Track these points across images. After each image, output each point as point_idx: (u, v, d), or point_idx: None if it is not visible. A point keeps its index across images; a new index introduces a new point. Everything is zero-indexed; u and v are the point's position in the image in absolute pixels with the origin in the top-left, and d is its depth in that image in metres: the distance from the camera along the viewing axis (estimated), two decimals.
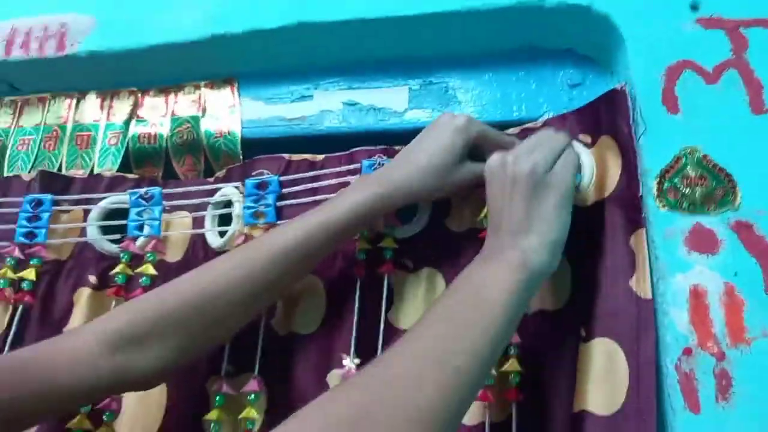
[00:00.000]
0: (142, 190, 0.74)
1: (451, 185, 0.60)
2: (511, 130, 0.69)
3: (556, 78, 0.72)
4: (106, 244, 0.74)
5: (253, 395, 0.63)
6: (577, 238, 0.62)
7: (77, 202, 0.77)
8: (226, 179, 0.76)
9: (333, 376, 0.64)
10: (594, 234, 0.60)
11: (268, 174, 0.72)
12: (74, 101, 0.84)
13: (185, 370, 0.66)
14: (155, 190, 0.74)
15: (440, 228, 0.69)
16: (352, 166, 0.69)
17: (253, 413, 0.62)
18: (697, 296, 0.52)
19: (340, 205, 0.59)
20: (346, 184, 0.69)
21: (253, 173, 0.73)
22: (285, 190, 0.71)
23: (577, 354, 0.57)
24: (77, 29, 0.80)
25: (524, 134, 0.68)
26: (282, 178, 0.72)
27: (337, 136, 0.76)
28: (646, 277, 0.55)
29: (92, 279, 0.74)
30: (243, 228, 0.71)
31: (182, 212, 0.76)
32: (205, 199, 0.74)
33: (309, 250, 0.58)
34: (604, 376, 0.53)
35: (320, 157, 0.73)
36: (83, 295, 0.73)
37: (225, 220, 0.73)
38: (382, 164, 0.68)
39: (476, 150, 0.61)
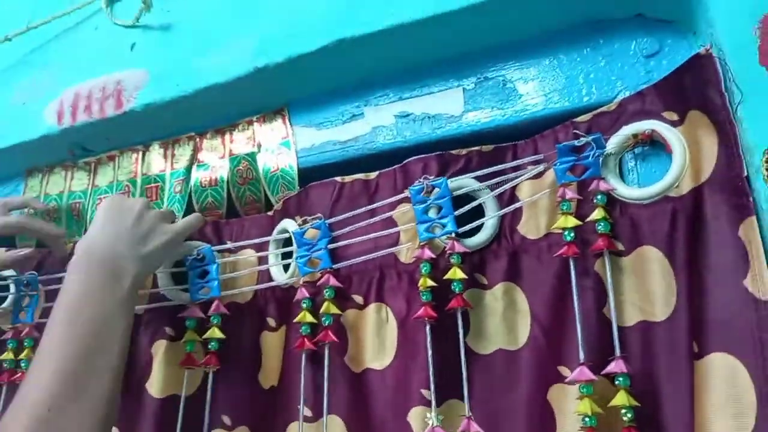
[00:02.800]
0: (195, 252, 0.73)
1: None
2: (581, 118, 0.61)
3: (628, 50, 0.62)
4: (178, 294, 0.75)
5: None
6: (674, 234, 0.53)
7: None
8: (283, 212, 0.74)
9: (416, 413, 0.59)
10: (694, 227, 0.51)
11: (312, 220, 0.68)
12: (140, 155, 0.87)
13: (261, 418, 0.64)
14: (206, 249, 0.73)
15: (513, 236, 0.62)
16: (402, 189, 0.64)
17: None
18: None
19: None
20: (402, 202, 0.65)
21: (301, 218, 0.70)
22: (336, 232, 0.67)
23: (691, 374, 0.48)
24: (132, 84, 0.82)
25: (598, 121, 0.60)
26: (330, 220, 0.68)
27: (393, 152, 0.71)
28: (764, 273, 0.45)
29: (168, 330, 0.74)
30: (300, 279, 0.68)
31: (247, 251, 0.74)
32: (266, 238, 0.73)
33: None
34: (725, 401, 0.44)
35: (373, 175, 0.69)
36: (161, 348, 0.73)
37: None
38: (431, 187, 0.63)
39: None
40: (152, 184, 0.84)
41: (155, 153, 0.85)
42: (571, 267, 0.56)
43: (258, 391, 0.70)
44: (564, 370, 0.56)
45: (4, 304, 0.85)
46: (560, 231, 0.59)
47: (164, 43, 0.82)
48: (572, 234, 0.57)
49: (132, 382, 0.72)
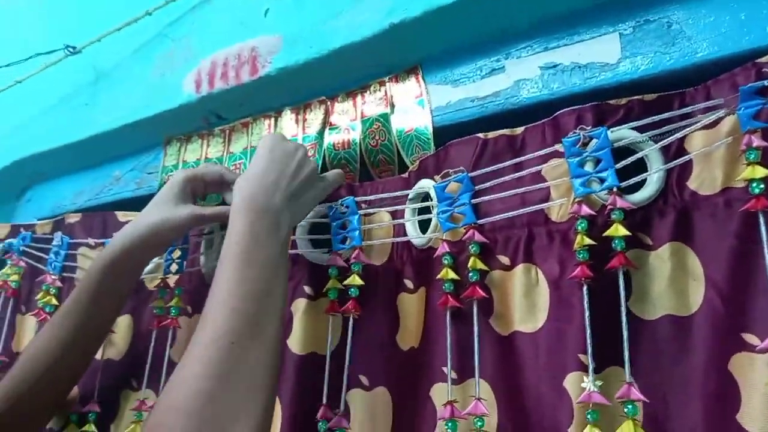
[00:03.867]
0: (338, 203, 0.73)
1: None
2: (766, 58, 0.54)
3: None
4: (315, 255, 0.75)
5: None
6: None
7: None
8: (420, 173, 0.71)
9: (573, 378, 0.55)
10: None
11: (454, 173, 0.65)
12: (272, 121, 0.88)
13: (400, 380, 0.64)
14: (349, 200, 0.73)
15: (682, 192, 0.56)
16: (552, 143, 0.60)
17: None
18: None
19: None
20: (553, 156, 0.61)
21: (440, 175, 0.67)
22: (479, 186, 0.64)
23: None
24: (266, 50, 0.83)
25: None
26: (473, 174, 0.65)
27: (538, 106, 0.67)
28: None
29: (307, 289, 0.74)
30: (442, 234, 0.65)
31: (381, 213, 0.73)
32: (402, 193, 0.71)
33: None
34: None
35: (519, 130, 0.65)
36: (300, 306, 0.74)
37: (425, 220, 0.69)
38: (588, 138, 0.58)
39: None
40: None
41: (287, 118, 0.86)
42: (761, 222, 0.50)
43: (396, 352, 0.69)
44: (750, 338, 0.50)
45: (154, 259, 0.90)
46: (742, 185, 0.52)
47: (297, 6, 0.82)
48: (761, 186, 0.51)
49: None
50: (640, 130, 0.58)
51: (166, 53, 0.97)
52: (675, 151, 0.58)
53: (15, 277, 0.99)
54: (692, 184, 0.56)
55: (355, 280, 0.70)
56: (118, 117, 0.99)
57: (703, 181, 0.56)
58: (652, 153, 0.58)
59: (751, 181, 0.51)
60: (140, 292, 0.92)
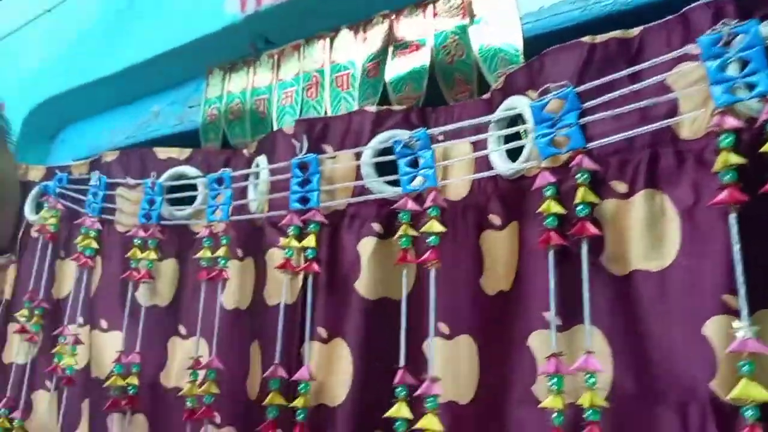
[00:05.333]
0: (406, 137, 0.63)
1: None
2: None
3: None
4: (383, 187, 0.66)
5: None
6: None
7: (343, 146, 0.70)
8: (506, 91, 0.61)
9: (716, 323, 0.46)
10: None
11: (556, 88, 0.55)
12: (327, 42, 0.78)
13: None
14: (421, 132, 0.63)
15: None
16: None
17: None
18: None
19: None
20: (682, 61, 0.50)
21: (536, 91, 0.56)
22: (588, 104, 0.53)
23: None
24: None
25: None
26: (580, 89, 0.54)
27: (656, 6, 0.56)
28: None
29: (376, 227, 0.66)
30: (540, 162, 0.55)
31: (460, 145, 0.63)
32: (485, 119, 0.61)
33: None
34: None
35: (635, 31, 0.54)
36: (369, 245, 0.65)
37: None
38: (734, 34, 0.47)
39: None
40: (342, 72, 0.75)
41: (344, 38, 0.76)
42: None
43: (481, 297, 0.61)
44: None
45: (195, 204, 0.83)
46: None
47: None
48: None
49: (339, 281, 0.66)
50: None
51: None
52: None
53: (53, 221, 0.93)
54: None
55: (434, 226, 0.60)
56: (154, 46, 0.91)
57: None
58: None
59: None
60: (184, 236, 0.85)
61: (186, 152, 0.87)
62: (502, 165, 0.61)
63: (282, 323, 0.67)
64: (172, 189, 0.84)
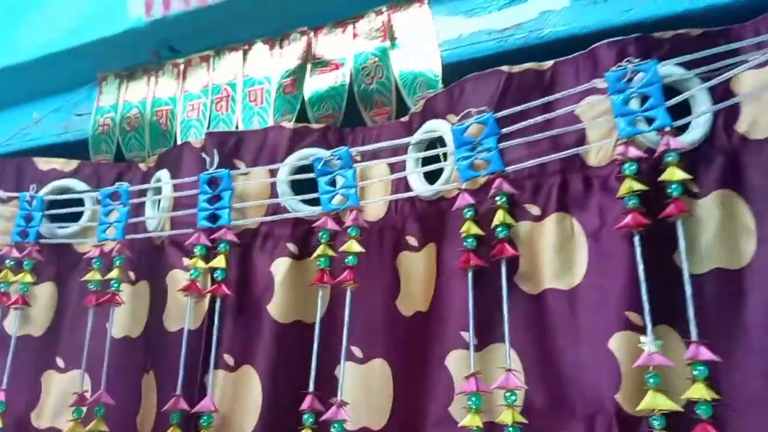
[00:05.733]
0: (327, 154, 0.62)
1: None
2: None
3: None
4: (300, 206, 0.64)
5: None
6: None
7: (257, 162, 0.67)
8: (427, 113, 0.62)
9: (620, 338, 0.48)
10: None
11: (477, 113, 0.57)
12: (240, 54, 0.75)
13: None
14: (342, 151, 0.62)
15: (730, 136, 0.51)
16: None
17: None
18: None
19: None
20: (589, 94, 0.54)
21: (459, 116, 0.58)
22: (505, 130, 0.56)
23: None
24: None
25: None
26: (499, 114, 0.56)
27: (566, 41, 0.60)
28: None
29: (291, 247, 0.63)
30: (461, 184, 0.57)
31: (379, 163, 0.63)
32: (406, 141, 0.62)
33: None
34: None
35: (548, 64, 0.57)
36: (283, 266, 0.63)
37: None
38: (635, 72, 0.52)
39: None
40: (256, 87, 0.73)
41: (259, 51, 0.74)
42: None
43: (397, 319, 0.60)
44: None
45: (81, 221, 0.75)
46: None
47: None
48: None
49: (250, 304, 0.62)
50: (687, 67, 0.52)
51: None
52: (721, 92, 0.53)
53: None
54: (740, 127, 0.52)
55: (353, 246, 0.59)
56: (43, 44, 0.82)
57: (754, 125, 0.51)
58: (699, 93, 0.52)
59: None
60: (65, 256, 0.77)
61: (72, 164, 0.79)
62: (420, 187, 0.61)
63: (185, 351, 0.62)
64: (54, 204, 0.76)
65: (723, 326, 0.48)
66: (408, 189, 0.62)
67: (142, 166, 0.77)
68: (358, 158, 0.64)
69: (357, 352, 0.61)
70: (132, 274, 0.73)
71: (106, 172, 0.79)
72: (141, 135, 0.79)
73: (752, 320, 0.48)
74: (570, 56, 0.56)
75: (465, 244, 0.55)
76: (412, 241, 0.61)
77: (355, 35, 0.69)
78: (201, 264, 0.63)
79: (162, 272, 0.68)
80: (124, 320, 0.71)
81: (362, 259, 0.61)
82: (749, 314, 0.48)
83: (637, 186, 0.50)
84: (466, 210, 0.56)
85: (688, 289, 0.47)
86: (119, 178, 0.77)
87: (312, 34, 0.71)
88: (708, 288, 0.50)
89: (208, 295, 0.63)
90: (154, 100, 0.79)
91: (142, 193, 0.73)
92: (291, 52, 0.72)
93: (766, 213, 0.49)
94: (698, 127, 0.52)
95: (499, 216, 0.54)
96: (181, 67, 0.79)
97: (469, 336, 0.53)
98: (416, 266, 0.60)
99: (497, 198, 0.55)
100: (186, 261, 0.65)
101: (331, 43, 0.70)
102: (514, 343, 0.52)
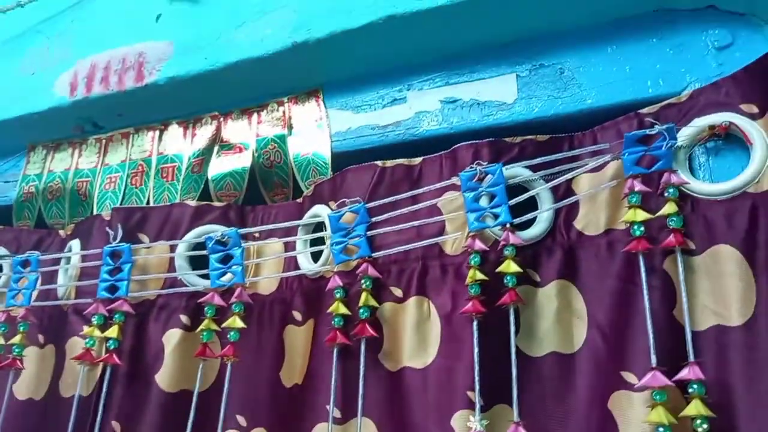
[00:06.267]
0: (218, 234, 0.67)
1: None
2: (648, 109, 0.57)
3: (698, 41, 0.59)
4: (195, 280, 0.69)
5: None
6: (754, 232, 0.49)
7: (159, 236, 0.71)
8: (315, 198, 0.68)
9: (460, 417, 0.53)
10: None
11: (351, 203, 0.63)
12: (157, 133, 0.81)
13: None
14: (231, 231, 0.67)
15: (569, 231, 0.58)
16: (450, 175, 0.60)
17: None
18: None
19: None
20: (449, 190, 0.60)
21: (336, 202, 0.64)
22: (376, 218, 0.62)
23: None
24: (155, 57, 0.77)
25: (666, 112, 0.57)
26: (370, 205, 0.63)
27: (437, 139, 0.67)
28: None
29: (183, 318, 0.68)
30: (334, 267, 0.62)
31: (273, 240, 0.69)
32: (296, 223, 0.67)
33: None
34: None
35: (417, 160, 0.64)
36: (174, 337, 0.67)
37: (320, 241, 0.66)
38: (484, 174, 0.59)
39: None
40: (168, 164, 0.78)
41: (173, 132, 0.80)
42: (641, 264, 0.52)
43: (279, 389, 0.64)
44: (628, 376, 0.51)
45: None
46: (623, 227, 0.55)
47: (193, 13, 0.77)
48: (642, 228, 0.53)
49: (140, 373, 0.66)
50: (533, 169, 0.59)
51: (40, 50, 0.87)
52: (563, 191, 0.59)
53: None
54: (578, 224, 0.58)
55: (236, 322, 0.63)
56: None
57: (589, 222, 0.58)
58: (543, 192, 0.59)
59: (633, 223, 0.53)
60: None
61: None
62: (306, 265, 0.67)
63: (74, 417, 0.65)
64: None
65: (556, 407, 0.54)
66: (297, 267, 0.67)
67: (62, 233, 0.81)
68: (257, 235, 0.69)
69: (242, 420, 0.64)
70: (41, 337, 0.76)
71: (26, 238, 0.82)
72: (62, 204, 0.84)
73: (577, 402, 0.53)
74: (436, 154, 0.63)
75: (333, 322, 0.60)
76: (297, 315, 0.66)
77: (260, 122, 0.75)
78: (97, 333, 0.66)
79: (65, 338, 0.72)
80: (29, 382, 0.74)
81: (253, 329, 0.65)
82: (577, 396, 0.53)
83: (479, 276, 0.56)
84: (336, 291, 0.61)
85: (514, 371, 0.52)
86: (38, 244, 0.81)
87: (222, 119, 0.77)
88: (545, 370, 0.55)
89: (101, 364, 0.66)
90: (76, 171, 0.84)
91: (57, 260, 0.76)
92: (202, 134, 0.78)
93: (595, 302, 0.55)
94: (542, 222, 0.59)
95: (363, 298, 0.59)
96: (104, 141, 0.84)
97: (330, 408, 0.57)
98: (298, 340, 0.65)
99: (363, 281, 0.60)
100: (85, 329, 0.68)
101: (237, 128, 0.76)
102: (374, 417, 0.57)
